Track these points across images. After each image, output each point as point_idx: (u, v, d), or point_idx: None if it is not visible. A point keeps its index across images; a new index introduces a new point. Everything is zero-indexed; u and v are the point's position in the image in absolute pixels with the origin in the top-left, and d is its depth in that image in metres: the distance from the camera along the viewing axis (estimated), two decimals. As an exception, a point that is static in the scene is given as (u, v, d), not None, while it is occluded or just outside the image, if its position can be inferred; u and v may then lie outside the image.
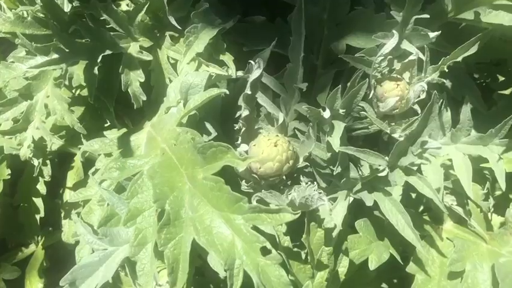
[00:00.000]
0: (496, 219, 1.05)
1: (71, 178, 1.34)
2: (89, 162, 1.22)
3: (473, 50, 0.83)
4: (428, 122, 0.77)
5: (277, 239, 0.73)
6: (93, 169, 1.16)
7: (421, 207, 1.08)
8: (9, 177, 1.27)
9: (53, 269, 1.43)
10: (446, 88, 1.05)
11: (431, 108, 0.76)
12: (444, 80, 0.85)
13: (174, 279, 0.64)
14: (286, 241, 0.76)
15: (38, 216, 1.30)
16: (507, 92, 1.19)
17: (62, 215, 1.38)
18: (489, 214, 1.07)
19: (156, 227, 0.71)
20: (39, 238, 1.46)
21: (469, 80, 1.08)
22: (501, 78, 1.23)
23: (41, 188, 1.28)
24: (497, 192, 1.09)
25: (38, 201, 1.29)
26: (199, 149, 0.67)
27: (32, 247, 1.42)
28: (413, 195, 1.05)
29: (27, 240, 1.47)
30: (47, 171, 1.32)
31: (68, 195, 1.36)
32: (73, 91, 1.05)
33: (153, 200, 0.67)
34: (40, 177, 1.32)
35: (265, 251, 0.61)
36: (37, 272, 1.40)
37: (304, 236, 0.76)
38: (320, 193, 0.74)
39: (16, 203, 1.29)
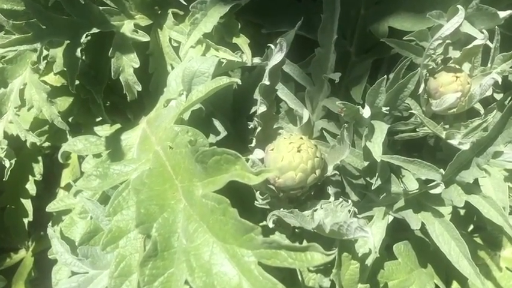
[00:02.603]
0: None
1: (66, 177, 1.22)
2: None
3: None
4: (506, 127, 0.59)
5: (300, 276, 0.56)
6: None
7: (471, 226, 0.91)
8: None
9: (41, 279, 1.32)
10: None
11: (507, 118, 0.58)
12: (502, 71, 0.66)
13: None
14: (311, 280, 0.59)
15: (26, 220, 1.19)
16: None
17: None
18: None
19: (141, 254, 0.55)
20: (30, 243, 1.34)
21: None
22: None
23: (31, 188, 1.18)
24: None
25: (27, 203, 1.18)
26: (199, 157, 0.50)
27: (22, 252, 1.36)
28: (462, 212, 0.88)
29: (16, 244, 1.36)
30: (39, 169, 1.21)
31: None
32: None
33: (135, 222, 0.51)
34: (30, 176, 1.20)
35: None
36: (24, 281, 1.29)
37: (334, 270, 0.59)
38: (355, 215, 0.57)
39: (2, 205, 1.19)
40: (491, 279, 0.82)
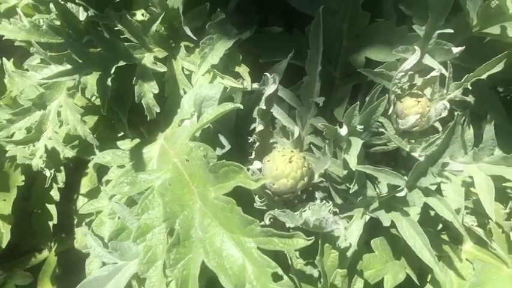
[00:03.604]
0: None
1: (85, 185, 1.34)
2: (102, 169, 1.22)
3: (499, 67, 0.79)
4: (451, 143, 0.74)
5: (290, 261, 0.70)
6: (106, 177, 1.15)
7: (440, 225, 1.05)
8: (23, 183, 1.29)
9: (65, 275, 1.43)
10: (469, 103, 1.01)
11: (454, 129, 0.73)
12: (467, 98, 0.82)
13: (183, 296, 0.62)
14: (299, 263, 0.74)
15: (51, 223, 1.31)
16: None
17: (75, 222, 1.38)
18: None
19: (166, 244, 0.70)
20: (52, 244, 1.47)
21: (493, 95, 1.04)
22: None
23: (55, 194, 1.28)
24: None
25: (51, 208, 1.30)
26: (211, 168, 0.65)
27: (45, 253, 1.43)
28: (432, 213, 1.03)
29: (40, 245, 1.48)
30: (61, 178, 1.33)
31: (82, 202, 1.36)
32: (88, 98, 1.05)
33: (163, 219, 0.65)
34: (54, 184, 1.34)
35: (276, 277, 0.59)
36: (49, 279, 1.41)
37: (317, 257, 0.74)
38: (335, 214, 0.71)
39: (30, 209, 1.29)
40: (453, 268, 0.96)
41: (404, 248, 0.93)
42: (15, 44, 1.07)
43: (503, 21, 0.84)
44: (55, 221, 1.30)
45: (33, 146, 0.93)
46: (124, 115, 0.92)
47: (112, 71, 0.85)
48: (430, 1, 0.82)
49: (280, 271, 0.58)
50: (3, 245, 1.25)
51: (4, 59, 1.22)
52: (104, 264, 0.87)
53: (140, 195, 0.80)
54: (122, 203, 0.86)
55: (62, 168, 1.35)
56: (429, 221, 0.98)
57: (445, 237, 1.02)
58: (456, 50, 0.82)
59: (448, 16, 0.87)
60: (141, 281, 0.80)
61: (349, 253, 0.87)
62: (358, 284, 0.83)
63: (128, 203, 0.86)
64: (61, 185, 1.31)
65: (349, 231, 0.88)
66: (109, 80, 0.85)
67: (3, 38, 1.07)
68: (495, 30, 0.87)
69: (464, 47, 0.82)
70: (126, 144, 1.00)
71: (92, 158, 1.01)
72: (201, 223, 0.64)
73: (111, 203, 0.88)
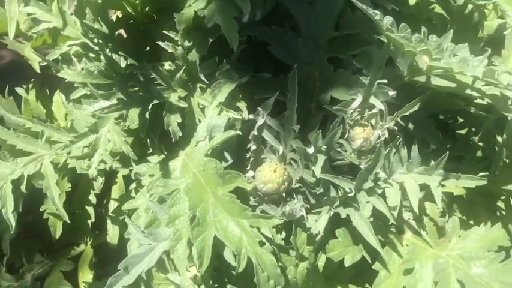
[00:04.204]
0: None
1: (115, 191, 1.63)
2: (128, 179, 1.56)
3: (417, 106, 1.14)
4: (379, 159, 1.08)
5: (272, 238, 1.04)
6: (133, 184, 1.49)
7: (390, 222, 1.39)
8: (70, 189, 1.62)
9: (100, 264, 1.72)
10: (409, 129, 1.36)
11: (380, 152, 1.07)
12: (395, 128, 1.15)
13: (201, 262, 0.96)
14: (279, 239, 1.08)
15: (89, 221, 1.55)
16: (463, 131, 1.50)
17: (108, 220, 1.70)
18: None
19: (189, 227, 1.03)
20: (88, 239, 1.78)
21: (429, 123, 1.38)
22: (460, 120, 1.54)
23: (92, 198, 1.53)
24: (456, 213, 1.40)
25: (90, 209, 1.54)
26: (220, 175, 1.00)
27: (82, 246, 1.67)
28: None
29: (78, 240, 1.79)
30: (98, 185, 1.65)
31: (112, 205, 1.68)
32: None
33: (188, 208, 0.99)
34: (91, 190, 1.66)
35: (262, 244, 0.93)
36: (87, 266, 1.69)
37: (292, 237, 1.08)
38: (302, 207, 1.05)
39: (72, 210, 1.52)
40: (396, 251, 1.24)
41: (360, 236, 1.25)
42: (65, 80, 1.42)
43: (426, 73, 1.19)
44: (93, 220, 1.55)
45: (89, 160, 1.27)
46: (156, 138, 1.27)
47: (149, 108, 1.20)
48: (373, 59, 1.17)
49: (264, 240, 0.92)
50: (57, 236, 1.57)
51: (61, 94, 1.57)
52: (141, 245, 1.20)
53: (169, 196, 1.14)
54: (154, 201, 1.20)
55: (98, 178, 1.70)
56: (380, 217, 1.31)
57: (392, 229, 1.36)
58: (392, 93, 1.16)
59: (388, 68, 1.22)
60: (169, 255, 1.13)
61: (317, 238, 1.20)
62: (322, 258, 1.17)
63: (159, 201, 1.20)
64: (97, 191, 1.62)
65: (318, 223, 1.21)
66: (147, 114, 1.20)
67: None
68: (421, 79, 1.21)
69: (396, 91, 1.16)
70: (154, 159, 1.33)
71: (131, 169, 1.35)
72: (213, 211, 0.98)
73: (147, 201, 1.21)
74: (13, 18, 1.10)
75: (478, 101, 1.29)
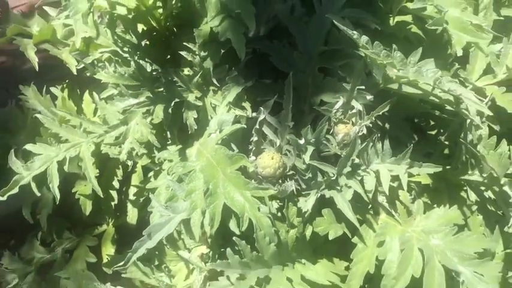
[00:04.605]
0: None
1: (135, 179, 1.90)
2: (147, 168, 1.83)
3: (387, 107, 1.40)
4: (356, 148, 1.35)
5: (269, 209, 1.30)
6: (151, 173, 1.76)
7: (369, 206, 1.65)
8: (98, 174, 1.87)
9: (121, 240, 1.91)
10: (385, 128, 1.63)
11: (355, 142, 1.33)
12: (370, 124, 1.42)
13: (212, 224, 1.23)
14: (274, 209, 1.34)
15: (113, 203, 1.79)
16: (433, 132, 1.77)
17: (128, 204, 1.96)
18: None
19: (203, 199, 1.30)
20: (110, 220, 1.99)
21: (403, 124, 1.65)
22: (432, 123, 1.81)
23: (116, 184, 1.78)
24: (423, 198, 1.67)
25: (114, 193, 1.78)
26: (228, 156, 1.27)
27: (104, 226, 1.92)
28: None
29: (101, 221, 2.03)
30: (120, 172, 1.92)
31: (132, 191, 1.92)
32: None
33: (202, 183, 1.26)
34: (115, 177, 1.91)
35: (259, 209, 1.20)
36: (110, 242, 1.93)
37: (284, 209, 1.35)
38: (293, 185, 1.32)
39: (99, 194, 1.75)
40: (371, 228, 1.46)
41: (342, 215, 1.49)
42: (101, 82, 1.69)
43: (396, 82, 1.46)
44: (116, 202, 1.81)
45: (120, 147, 1.54)
46: (176, 130, 1.54)
47: (172, 105, 1.47)
48: (354, 69, 1.45)
49: (262, 206, 1.18)
50: (87, 213, 1.83)
51: (93, 93, 1.85)
52: (161, 216, 1.46)
53: (186, 176, 1.41)
54: (174, 180, 1.47)
55: (120, 166, 1.97)
56: (359, 201, 1.57)
57: (370, 211, 1.62)
58: (369, 97, 1.43)
59: (367, 77, 1.49)
60: (185, 222, 1.40)
61: (306, 215, 1.47)
62: (309, 229, 1.43)
63: (177, 181, 1.47)
64: (120, 177, 1.88)
65: (307, 202, 1.48)
66: (170, 110, 1.47)
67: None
68: (394, 86, 1.48)
69: (373, 96, 1.44)
70: (173, 148, 1.62)
71: (152, 156, 1.62)
72: (223, 185, 1.25)
73: (167, 180, 1.48)
74: (78, 33, 1.37)
75: (448, 107, 1.56)
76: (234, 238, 1.28)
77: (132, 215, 1.84)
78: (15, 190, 1.45)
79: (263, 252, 1.24)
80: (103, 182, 1.79)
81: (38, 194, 1.49)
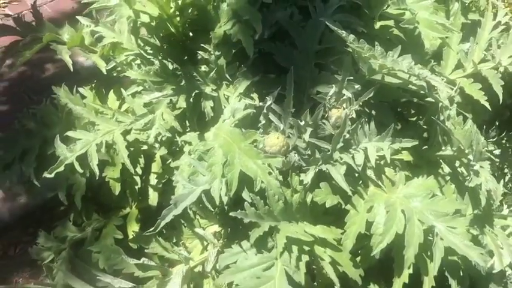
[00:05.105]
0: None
1: (154, 167, 2.15)
2: (165, 157, 2.10)
3: (371, 94, 1.69)
4: (346, 127, 1.63)
5: (276, 177, 1.58)
6: (170, 161, 2.04)
7: (360, 181, 1.93)
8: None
9: (144, 219, 2.14)
10: (372, 114, 1.92)
11: (345, 122, 1.62)
12: (358, 109, 1.71)
13: (230, 187, 1.50)
14: (281, 177, 1.62)
15: (136, 187, 1.94)
16: (413, 119, 2.06)
17: (149, 188, 2.21)
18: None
19: (221, 170, 1.58)
20: (133, 203, 2.27)
21: (387, 111, 1.94)
22: (413, 111, 2.10)
23: (139, 170, 1.90)
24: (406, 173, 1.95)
25: (137, 178, 1.91)
26: (242, 133, 1.56)
27: (128, 209, 2.03)
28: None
29: (124, 204, 2.27)
30: (141, 161, 2.19)
31: (153, 177, 2.19)
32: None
33: (222, 156, 1.54)
34: (138, 164, 2.19)
35: (270, 174, 1.48)
36: (134, 221, 2.12)
37: (289, 178, 1.63)
38: (295, 158, 1.61)
39: (123, 178, 1.90)
40: (362, 198, 1.70)
41: (337, 188, 1.77)
42: (131, 79, 1.98)
43: (379, 72, 1.75)
44: (139, 186, 2.05)
45: (147, 133, 1.82)
46: (195, 117, 1.82)
47: (192, 95, 1.76)
48: (344, 63, 1.74)
49: (272, 171, 1.46)
50: (116, 193, 2.09)
51: (121, 89, 2.13)
52: (185, 188, 1.73)
53: (205, 154, 1.69)
54: (195, 158, 1.74)
55: (142, 155, 2.23)
56: (352, 175, 1.85)
57: (360, 183, 1.90)
58: (357, 86, 1.72)
59: (355, 70, 1.79)
60: (206, 194, 1.67)
61: (307, 185, 1.75)
62: (309, 196, 1.70)
63: (198, 158, 1.75)
64: (142, 165, 2.15)
65: (307, 176, 1.76)
66: (191, 99, 1.76)
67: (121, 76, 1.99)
68: (378, 77, 1.78)
69: (360, 85, 1.73)
70: (193, 133, 1.90)
71: (175, 140, 1.90)
72: (238, 156, 1.53)
73: (189, 159, 1.76)
74: (124, 31, 1.67)
75: (429, 99, 1.85)
76: (245, 203, 1.55)
77: (153, 197, 1.99)
78: (61, 168, 1.71)
79: (273, 208, 1.51)
80: (128, 169, 2.03)
81: (81, 171, 1.75)
